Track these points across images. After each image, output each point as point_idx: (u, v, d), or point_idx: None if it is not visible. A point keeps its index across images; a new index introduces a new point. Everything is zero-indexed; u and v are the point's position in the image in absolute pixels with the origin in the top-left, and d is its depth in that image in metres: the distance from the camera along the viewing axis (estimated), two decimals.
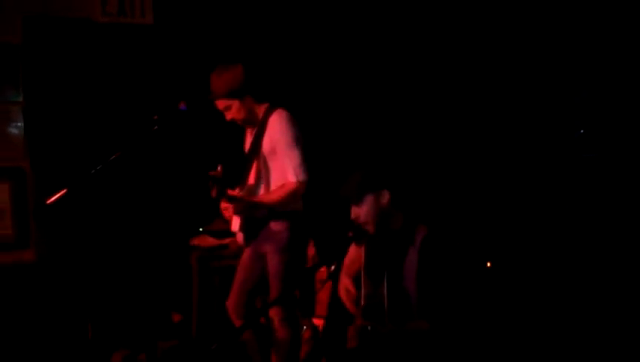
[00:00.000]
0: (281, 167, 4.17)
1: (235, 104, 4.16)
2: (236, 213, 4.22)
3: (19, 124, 5.30)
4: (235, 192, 4.11)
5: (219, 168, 4.02)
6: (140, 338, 5.40)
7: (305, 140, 4.23)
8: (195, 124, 5.47)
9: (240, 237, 4.30)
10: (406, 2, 5.96)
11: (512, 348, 4.56)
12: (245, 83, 4.17)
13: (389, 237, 3.58)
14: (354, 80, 6.03)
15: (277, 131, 4.17)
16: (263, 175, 4.23)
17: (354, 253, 3.81)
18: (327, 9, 5.97)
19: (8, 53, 5.25)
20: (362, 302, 3.55)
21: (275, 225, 4.23)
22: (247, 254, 4.41)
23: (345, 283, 3.78)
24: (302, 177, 4.15)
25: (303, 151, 4.17)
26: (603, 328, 4.68)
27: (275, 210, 4.21)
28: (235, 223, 4.28)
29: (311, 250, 5.16)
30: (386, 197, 3.56)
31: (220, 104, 4.20)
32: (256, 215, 4.23)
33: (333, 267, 3.60)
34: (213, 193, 4.07)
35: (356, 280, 3.75)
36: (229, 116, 4.22)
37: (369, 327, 3.43)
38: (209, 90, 4.19)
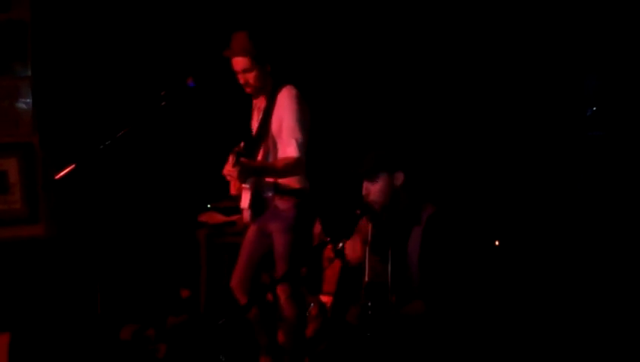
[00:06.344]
0: (285, 141, 4.14)
1: (256, 70, 4.14)
2: (240, 177, 4.03)
3: (27, 99, 5.31)
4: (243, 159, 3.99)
5: (241, 145, 4.00)
6: (148, 313, 5.43)
7: (312, 122, 4.20)
8: (204, 101, 5.46)
9: (247, 214, 4.27)
10: None
11: (512, 334, 4.49)
12: (270, 52, 4.16)
13: (395, 215, 3.59)
14: (369, 62, 6.00)
15: (284, 108, 4.15)
16: (272, 153, 4.22)
17: (362, 224, 3.80)
18: None
19: (17, 28, 5.24)
20: (366, 279, 3.57)
21: (282, 204, 4.21)
22: (252, 231, 4.40)
23: (351, 242, 3.78)
24: (302, 155, 4.11)
25: (305, 133, 4.14)
26: (611, 313, 4.67)
27: (280, 188, 4.19)
28: (245, 200, 4.24)
29: (317, 228, 5.15)
30: (400, 178, 3.58)
31: (239, 63, 4.15)
32: (263, 194, 4.22)
33: (340, 245, 3.62)
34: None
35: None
36: (242, 79, 4.19)
37: (369, 304, 3.44)
38: (227, 45, 4.15)
